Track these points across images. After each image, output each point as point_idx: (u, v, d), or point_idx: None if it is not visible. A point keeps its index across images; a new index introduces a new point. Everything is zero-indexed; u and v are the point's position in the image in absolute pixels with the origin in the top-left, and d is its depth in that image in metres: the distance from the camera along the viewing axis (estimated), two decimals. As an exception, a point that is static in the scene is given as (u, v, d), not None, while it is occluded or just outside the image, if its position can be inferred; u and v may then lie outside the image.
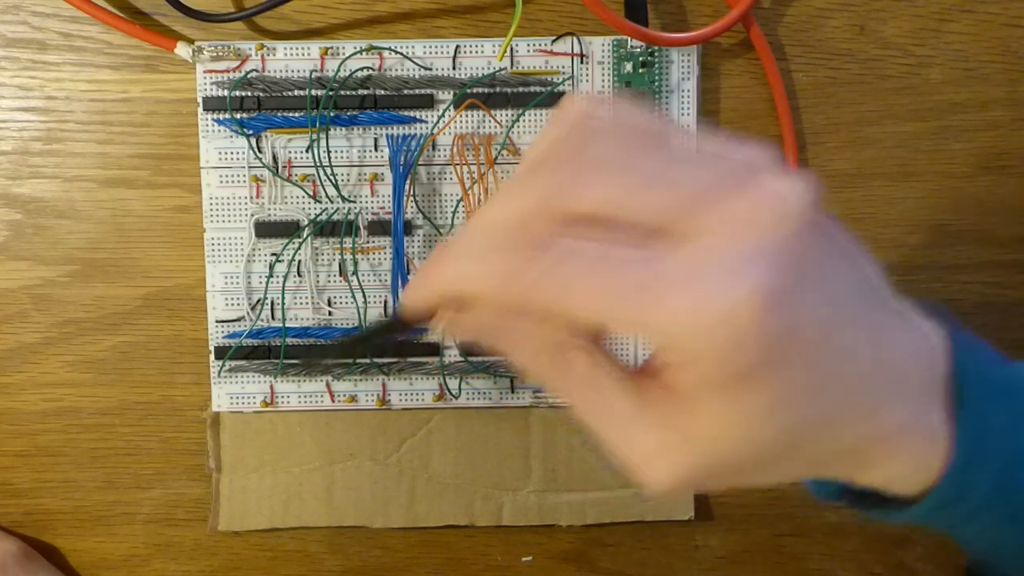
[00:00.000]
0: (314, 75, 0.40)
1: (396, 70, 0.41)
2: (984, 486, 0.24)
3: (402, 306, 0.23)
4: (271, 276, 0.41)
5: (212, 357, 0.42)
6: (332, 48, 0.40)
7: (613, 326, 0.20)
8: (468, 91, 0.40)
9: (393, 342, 0.26)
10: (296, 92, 0.40)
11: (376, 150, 0.41)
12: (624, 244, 0.20)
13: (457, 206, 0.41)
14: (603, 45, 0.41)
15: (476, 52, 0.41)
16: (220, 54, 0.40)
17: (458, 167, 0.40)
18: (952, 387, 0.24)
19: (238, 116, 0.40)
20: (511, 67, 0.40)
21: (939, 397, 0.23)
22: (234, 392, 0.42)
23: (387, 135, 0.41)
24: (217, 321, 0.42)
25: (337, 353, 0.35)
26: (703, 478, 0.22)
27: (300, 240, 0.41)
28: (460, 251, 0.21)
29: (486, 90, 0.40)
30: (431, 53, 0.40)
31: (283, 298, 0.41)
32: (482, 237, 0.21)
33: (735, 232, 0.19)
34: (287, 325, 0.41)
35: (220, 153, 0.41)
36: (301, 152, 0.41)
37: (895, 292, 0.23)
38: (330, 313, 0.42)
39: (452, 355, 0.42)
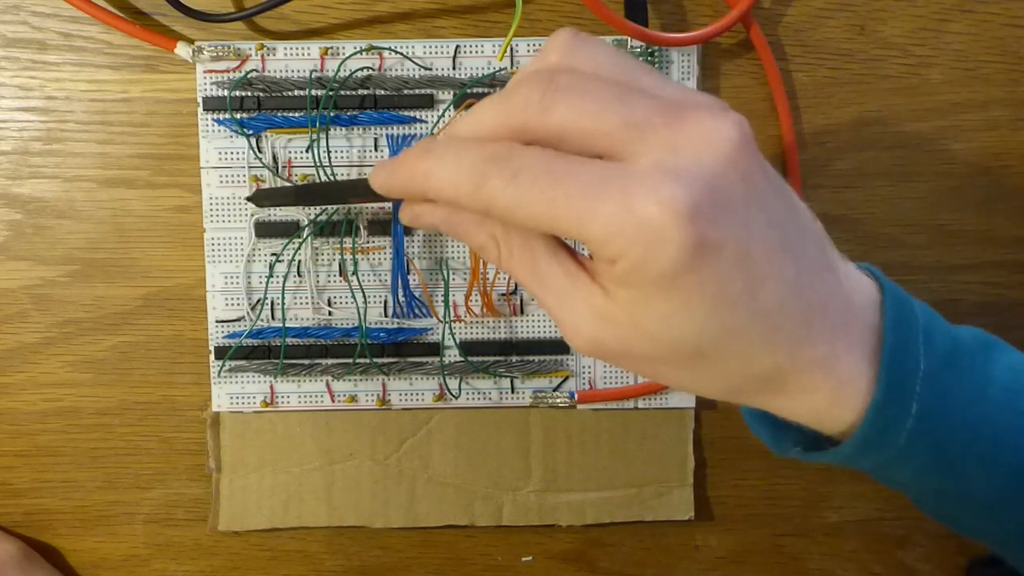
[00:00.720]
0: (314, 75, 0.40)
1: (396, 70, 0.41)
2: (907, 426, 0.25)
3: (373, 180, 0.27)
4: (271, 276, 0.41)
5: (212, 357, 0.42)
6: (332, 48, 0.40)
7: (556, 231, 0.23)
8: (468, 91, 0.40)
9: (350, 201, 0.30)
10: (296, 92, 0.40)
11: (376, 150, 0.41)
12: (573, 159, 0.23)
13: (457, 206, 0.41)
14: (603, 45, 0.41)
15: (476, 52, 0.41)
16: (220, 54, 0.40)
17: (458, 167, 0.40)
18: (879, 335, 0.25)
19: (238, 116, 0.40)
20: (511, 67, 0.40)
21: (864, 341, 0.25)
22: (234, 392, 0.42)
23: (387, 135, 0.41)
24: (217, 321, 0.42)
25: (294, 195, 0.36)
26: (614, 353, 0.25)
27: (300, 240, 0.41)
28: (436, 153, 0.24)
29: (486, 90, 0.40)
30: (431, 53, 0.40)
31: (283, 298, 0.41)
32: (456, 144, 0.24)
33: (670, 155, 0.22)
34: (287, 325, 0.41)
35: (220, 153, 0.41)
36: (301, 152, 0.41)
37: (832, 245, 0.26)
38: (330, 313, 0.42)
39: (452, 355, 0.42)
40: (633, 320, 0.24)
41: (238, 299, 0.42)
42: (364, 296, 0.41)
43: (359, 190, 0.29)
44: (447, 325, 0.42)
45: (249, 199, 0.40)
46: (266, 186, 0.41)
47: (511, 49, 0.40)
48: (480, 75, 0.40)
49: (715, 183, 0.22)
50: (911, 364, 0.25)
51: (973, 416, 0.26)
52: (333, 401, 0.42)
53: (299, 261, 0.41)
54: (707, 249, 0.22)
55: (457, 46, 0.40)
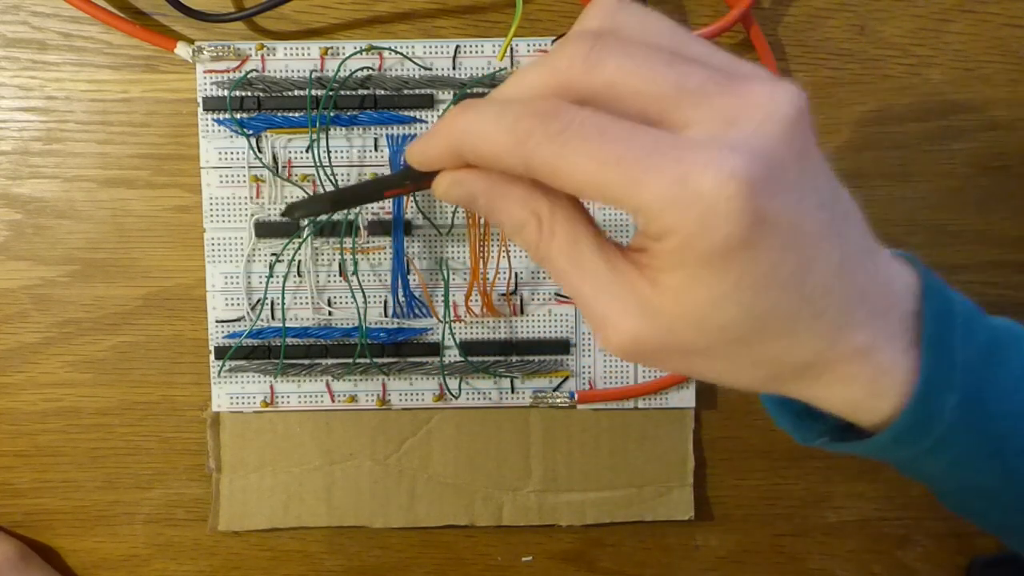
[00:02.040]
0: (314, 75, 0.40)
1: (396, 70, 0.41)
2: (946, 417, 0.25)
3: (409, 153, 0.25)
4: (271, 276, 0.41)
5: (212, 357, 0.42)
6: (332, 48, 0.40)
7: (602, 197, 0.22)
8: (468, 91, 0.40)
9: (392, 195, 0.27)
10: (296, 92, 0.40)
11: (376, 150, 0.41)
12: (624, 122, 0.21)
13: (457, 206, 0.41)
14: (603, 45, 0.41)
15: (476, 52, 0.41)
16: (220, 54, 0.40)
17: (458, 167, 0.40)
18: (919, 323, 0.25)
19: (238, 116, 0.40)
20: (511, 67, 0.40)
21: (904, 329, 0.25)
22: (234, 392, 0.42)
23: (387, 135, 0.41)
24: (217, 321, 0.42)
25: (329, 201, 0.30)
26: (652, 350, 0.24)
27: (300, 240, 0.41)
28: (476, 108, 0.23)
29: (486, 90, 0.40)
30: (431, 53, 0.40)
31: (283, 298, 0.41)
32: (500, 102, 0.23)
33: (726, 124, 0.21)
34: (287, 325, 0.41)
35: (220, 153, 0.41)
36: (301, 152, 0.41)
37: (870, 231, 0.25)
38: (330, 313, 0.42)
39: (452, 355, 0.42)
40: (680, 307, 0.23)
41: (238, 299, 0.42)
42: (364, 296, 0.41)
43: (395, 180, 0.27)
44: (447, 325, 0.41)
45: (283, 214, 0.39)
46: (267, 187, 0.41)
47: (511, 49, 0.40)
48: (480, 75, 0.40)
49: (773, 158, 0.21)
50: (951, 354, 0.25)
51: (1014, 407, 0.25)
52: (333, 401, 0.42)
53: (299, 261, 0.41)
54: (763, 226, 0.21)
55: (457, 46, 0.40)
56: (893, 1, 0.41)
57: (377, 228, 0.41)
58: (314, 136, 0.40)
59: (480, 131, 0.23)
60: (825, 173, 0.23)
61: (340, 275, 0.41)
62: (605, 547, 0.44)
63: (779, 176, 0.21)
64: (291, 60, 0.40)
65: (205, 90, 0.41)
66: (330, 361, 0.42)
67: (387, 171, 0.41)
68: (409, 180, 0.26)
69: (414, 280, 0.41)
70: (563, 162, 0.21)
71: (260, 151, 0.41)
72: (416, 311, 0.41)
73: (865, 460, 0.43)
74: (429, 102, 0.40)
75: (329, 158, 0.40)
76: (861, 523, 0.44)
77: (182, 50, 0.40)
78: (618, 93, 0.22)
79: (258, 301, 0.42)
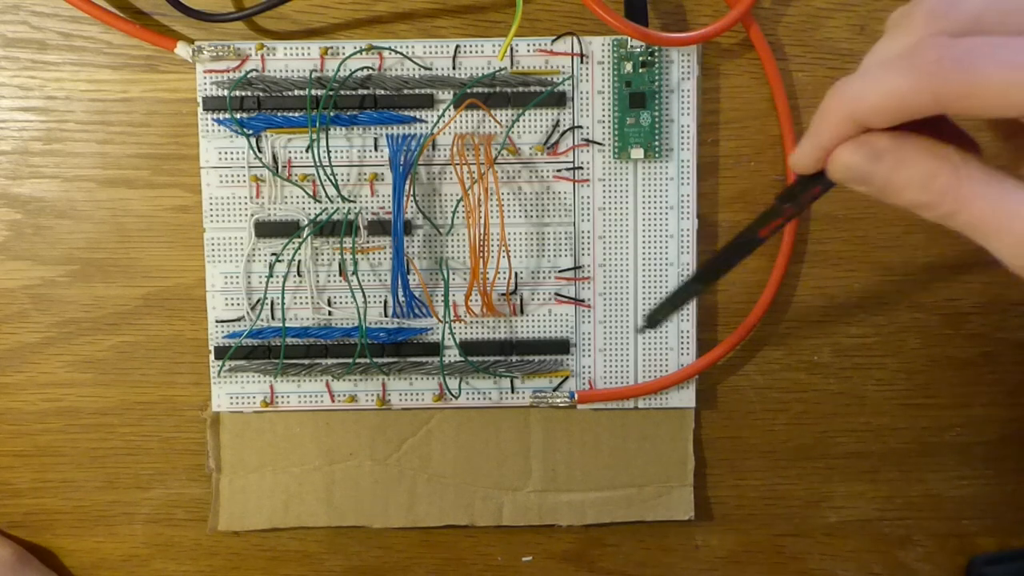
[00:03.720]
0: (314, 75, 0.40)
1: (396, 70, 0.41)
2: None
3: (794, 159, 0.25)
4: (271, 276, 0.41)
5: (212, 357, 0.42)
6: (332, 48, 0.40)
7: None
8: (468, 91, 0.40)
9: (769, 232, 0.26)
10: (296, 92, 0.40)
11: (376, 150, 0.41)
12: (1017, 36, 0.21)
13: (457, 206, 0.41)
14: (603, 45, 0.41)
15: (476, 52, 0.41)
16: (220, 54, 0.40)
17: (458, 167, 0.40)
18: None
19: (238, 116, 0.40)
20: (511, 67, 0.40)
21: None
22: (234, 392, 0.42)
23: (387, 135, 0.41)
24: (217, 321, 0.42)
25: (694, 288, 0.30)
26: None
27: (300, 240, 0.41)
28: (859, 74, 0.23)
29: (486, 90, 0.40)
30: (431, 53, 0.40)
31: (283, 298, 0.41)
32: (879, 59, 0.23)
33: None
34: (287, 325, 0.41)
35: (220, 153, 0.41)
36: (301, 152, 0.41)
37: None
38: (330, 313, 0.42)
39: (452, 355, 0.42)
40: None
41: (238, 299, 0.42)
42: (364, 296, 0.41)
43: (769, 215, 0.26)
44: (447, 325, 0.42)
45: (646, 326, 0.32)
46: (267, 187, 0.41)
47: (511, 49, 0.40)
48: (480, 75, 0.40)
49: None
50: None
51: None
52: (333, 401, 0.42)
53: (299, 261, 0.41)
54: None
55: (457, 46, 0.40)
56: (893, 1, 0.41)
57: (377, 228, 0.41)
58: (314, 136, 0.40)
59: (876, 86, 0.22)
60: None
61: (340, 275, 0.41)
62: (605, 547, 0.44)
63: None
64: (291, 60, 0.40)
65: (205, 90, 0.41)
66: (330, 361, 0.42)
67: (386, 171, 0.41)
68: (788, 200, 0.25)
69: (414, 280, 0.41)
70: (977, 76, 0.21)
71: (260, 151, 0.41)
72: (416, 311, 0.41)
73: (865, 460, 0.43)
74: (429, 102, 0.40)
75: (329, 158, 0.40)
76: (861, 523, 0.44)
77: (182, 50, 0.40)
78: (988, 21, 0.22)
79: (258, 301, 0.42)
